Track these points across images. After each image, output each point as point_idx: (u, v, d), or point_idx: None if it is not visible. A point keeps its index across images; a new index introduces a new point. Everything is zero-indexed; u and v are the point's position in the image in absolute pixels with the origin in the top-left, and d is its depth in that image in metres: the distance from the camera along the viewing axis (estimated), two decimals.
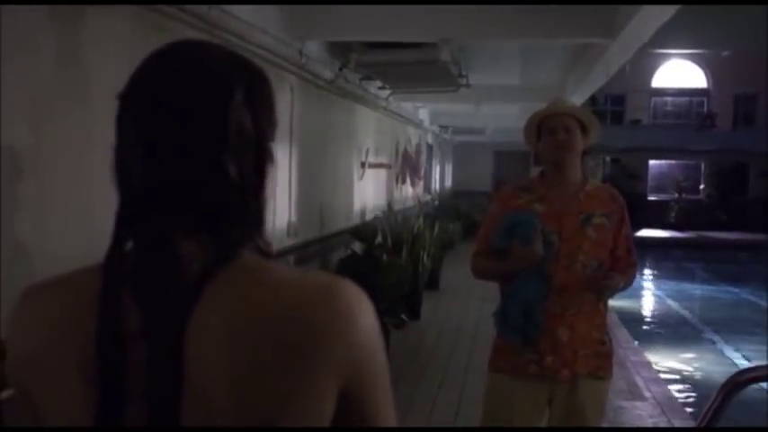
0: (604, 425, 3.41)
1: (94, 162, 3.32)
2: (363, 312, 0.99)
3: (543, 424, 3.35)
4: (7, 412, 2.33)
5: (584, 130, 3.27)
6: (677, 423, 5.63)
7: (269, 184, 1.01)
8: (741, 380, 2.73)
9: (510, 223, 3.20)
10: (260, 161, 1.00)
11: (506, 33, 5.77)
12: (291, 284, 0.97)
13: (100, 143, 3.57)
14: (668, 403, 6.19)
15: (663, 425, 5.63)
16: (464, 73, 8.21)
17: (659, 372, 7.75)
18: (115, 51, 3.61)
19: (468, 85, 8.86)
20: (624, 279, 3.26)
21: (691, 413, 6.08)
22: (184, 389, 0.91)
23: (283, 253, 6.30)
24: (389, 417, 1.03)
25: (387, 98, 10.24)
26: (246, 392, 0.91)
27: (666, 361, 8.93)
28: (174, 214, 0.96)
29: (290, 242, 6.51)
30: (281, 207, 6.37)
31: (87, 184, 3.38)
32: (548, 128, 3.25)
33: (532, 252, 3.10)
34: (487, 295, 9.47)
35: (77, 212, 3.39)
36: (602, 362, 3.29)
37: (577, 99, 9.39)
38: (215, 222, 0.97)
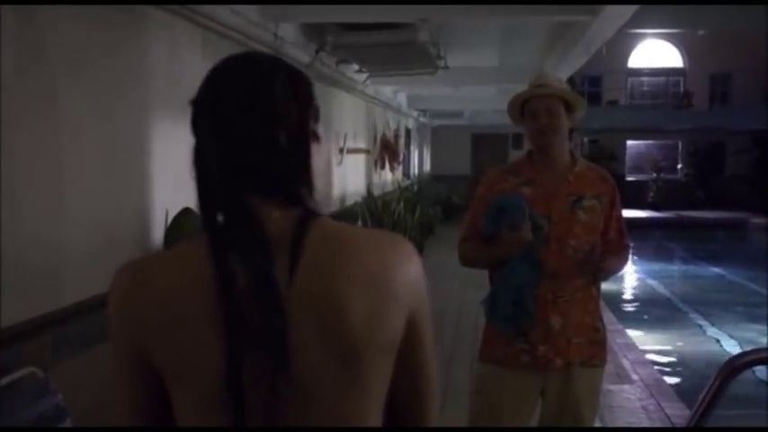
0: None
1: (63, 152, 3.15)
2: (418, 261, 1.28)
3: (536, 415, 3.22)
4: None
5: (570, 108, 3.14)
6: (666, 406, 5.55)
7: (317, 157, 1.27)
8: (738, 364, 2.69)
9: (497, 207, 3.06)
10: (305, 138, 1.25)
11: (486, 11, 5.61)
12: (368, 239, 1.26)
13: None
14: (656, 386, 6.11)
15: (652, 408, 5.54)
16: (442, 54, 8.05)
17: (645, 353, 7.68)
18: (84, 34, 3.44)
19: (446, 67, 8.71)
20: (618, 262, 3.15)
21: (679, 395, 6.01)
22: (289, 330, 1.14)
23: None
24: (432, 355, 1.33)
25: (364, 82, 10.07)
26: (344, 325, 1.17)
27: (651, 342, 8.87)
28: (250, 185, 1.20)
29: None
30: None
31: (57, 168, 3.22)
32: (530, 110, 3.12)
33: (521, 238, 2.97)
34: (470, 280, 9.39)
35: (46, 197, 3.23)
36: (595, 349, 3.17)
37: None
38: (282, 187, 1.22)
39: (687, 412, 5.50)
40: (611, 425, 5.15)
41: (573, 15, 5.74)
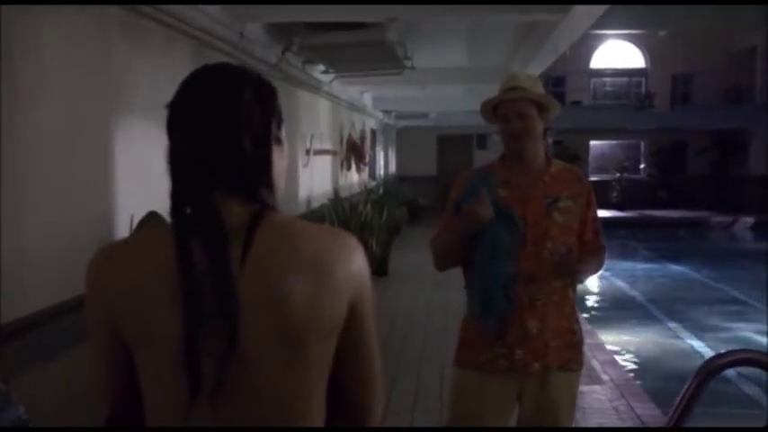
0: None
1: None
2: (360, 252, 1.43)
3: (513, 420, 3.17)
4: None
5: (542, 108, 3.10)
6: (637, 407, 5.54)
7: (278, 160, 1.43)
8: (715, 365, 2.68)
9: (472, 191, 3.03)
10: (267, 142, 1.40)
11: (455, 10, 5.56)
12: (314, 231, 1.41)
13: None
14: (627, 386, 6.11)
15: (623, 408, 5.54)
16: (409, 55, 8.00)
17: (614, 353, 7.71)
18: (44, 34, 3.32)
19: (413, 68, 8.66)
20: (595, 263, 3.11)
21: (647, 394, 6.02)
22: (239, 307, 1.29)
23: None
24: (374, 343, 1.46)
25: (330, 83, 9.98)
26: (288, 308, 1.32)
27: (618, 342, 8.90)
28: (215, 182, 1.35)
29: None
30: None
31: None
32: (502, 115, 3.07)
33: (475, 209, 2.93)
34: (438, 280, 9.39)
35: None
36: (573, 353, 3.13)
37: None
38: (243, 185, 1.37)
39: (658, 412, 5.51)
40: (582, 425, 5.13)
41: (542, 15, 5.72)
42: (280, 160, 1.45)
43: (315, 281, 1.34)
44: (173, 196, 1.38)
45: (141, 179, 4.47)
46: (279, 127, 1.45)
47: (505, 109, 3.06)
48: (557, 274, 3.04)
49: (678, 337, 9.43)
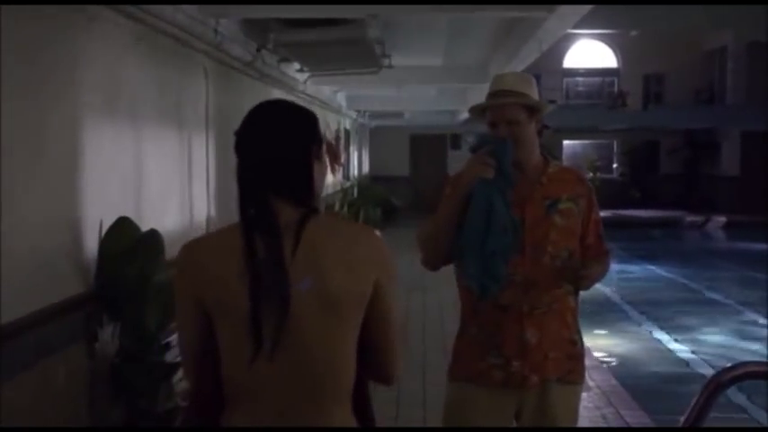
0: None
1: None
2: (382, 244, 1.91)
3: None
4: None
5: (533, 109, 2.92)
6: (626, 414, 5.42)
7: (318, 173, 1.89)
8: (725, 379, 2.50)
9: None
10: (308, 159, 1.87)
11: (441, 7, 5.37)
12: (347, 227, 1.96)
13: None
14: (613, 392, 5.98)
15: (611, 417, 5.40)
16: (388, 53, 7.81)
17: (597, 358, 7.58)
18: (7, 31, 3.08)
19: (390, 66, 8.48)
20: (600, 268, 2.94)
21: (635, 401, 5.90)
22: (290, 286, 1.74)
23: None
24: (395, 314, 1.91)
25: (305, 82, 9.77)
26: (328, 284, 1.77)
27: (599, 345, 8.77)
28: (271, 190, 1.82)
29: None
30: (199, 201, 5.85)
31: None
32: (490, 120, 2.90)
33: (480, 160, 2.78)
34: (415, 283, 9.24)
35: None
36: (573, 364, 2.97)
37: None
38: (292, 192, 1.83)
39: (648, 420, 5.39)
40: None
41: (529, 11, 5.55)
42: (320, 173, 1.92)
43: (347, 266, 1.80)
44: (240, 200, 1.84)
45: (112, 182, 4.24)
46: (319, 147, 1.91)
47: (493, 115, 2.90)
48: (558, 280, 2.87)
49: (657, 339, 9.33)
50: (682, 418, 2.41)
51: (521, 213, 2.86)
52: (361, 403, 1.92)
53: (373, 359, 1.90)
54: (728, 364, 2.49)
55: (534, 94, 2.95)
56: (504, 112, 2.87)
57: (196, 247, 1.88)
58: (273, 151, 1.83)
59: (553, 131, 3.17)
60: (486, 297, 2.83)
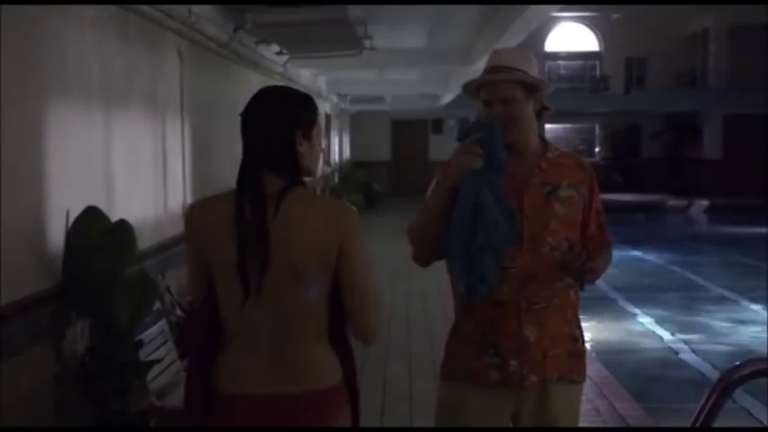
0: None
1: None
2: (350, 215, 2.28)
3: None
4: None
5: (532, 87, 2.71)
6: (620, 407, 5.26)
7: (308, 151, 2.27)
8: (735, 378, 2.37)
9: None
10: (293, 138, 2.24)
11: None
12: (321, 200, 2.52)
13: None
14: (605, 383, 5.81)
15: (604, 409, 5.23)
16: (370, 34, 7.56)
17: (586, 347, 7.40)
18: None
19: (372, 48, 8.24)
20: (605, 261, 2.74)
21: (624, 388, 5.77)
22: (270, 245, 2.15)
23: (178, 240, 5.55)
24: (366, 275, 2.27)
25: (284, 64, 9.50)
26: (293, 247, 2.17)
27: (586, 334, 8.59)
28: (261, 164, 2.21)
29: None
30: (174, 188, 5.60)
31: None
32: (484, 99, 2.70)
33: (467, 150, 2.58)
34: (399, 271, 9.05)
35: None
36: (574, 363, 2.79)
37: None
38: (278, 167, 2.22)
39: (642, 413, 5.23)
40: None
41: None
42: (310, 152, 2.28)
43: (312, 231, 2.17)
44: (239, 172, 2.21)
45: (80, 170, 3.99)
46: (308, 128, 2.26)
47: (487, 93, 2.69)
48: (558, 272, 2.67)
49: (641, 322, 9.22)
50: (690, 419, 2.28)
51: (519, 201, 2.67)
52: (341, 340, 2.31)
53: (350, 316, 2.25)
54: (733, 361, 2.36)
55: (533, 71, 2.74)
56: (498, 90, 2.67)
57: (198, 208, 2.33)
58: (261, 131, 2.21)
59: (554, 113, 2.95)
60: (472, 298, 2.63)
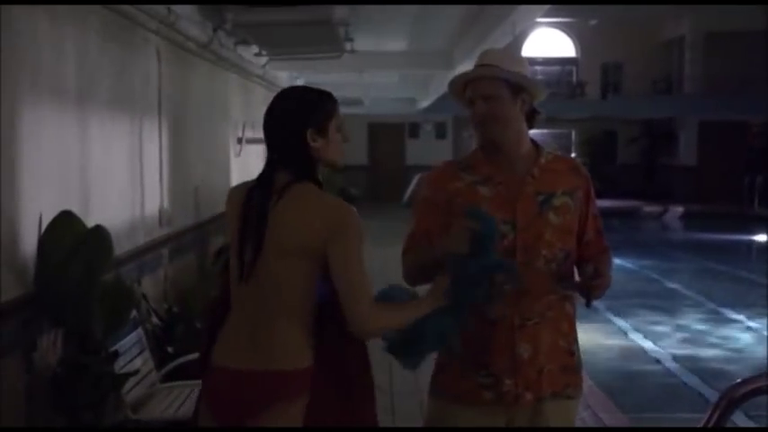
0: None
1: None
2: (342, 211, 2.35)
3: None
4: None
5: (519, 89, 2.60)
6: (605, 417, 5.18)
7: (324, 147, 2.40)
8: (737, 395, 2.38)
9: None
10: (303, 136, 2.39)
11: None
12: (317, 196, 2.38)
13: None
14: (590, 393, 5.69)
15: (591, 421, 5.14)
16: (351, 36, 7.45)
17: None
18: None
19: (353, 51, 8.14)
20: (609, 271, 2.65)
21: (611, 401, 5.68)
22: (266, 230, 2.34)
23: (155, 245, 5.40)
24: (357, 265, 2.33)
25: (263, 66, 9.37)
26: (281, 235, 2.33)
27: None
28: (275, 160, 2.40)
29: (163, 232, 5.61)
30: (151, 193, 5.45)
31: None
32: (468, 97, 2.60)
33: (452, 234, 2.45)
34: (378, 279, 8.94)
35: None
36: (570, 377, 2.69)
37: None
38: (287, 163, 2.38)
39: (627, 422, 5.15)
40: None
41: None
42: (326, 147, 2.41)
43: (301, 223, 2.31)
44: (265, 166, 2.43)
45: (53, 173, 3.84)
46: (323, 125, 2.40)
47: (472, 90, 2.59)
48: (552, 285, 2.58)
49: (621, 330, 9.18)
50: None
51: (511, 212, 2.57)
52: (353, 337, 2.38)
53: (344, 310, 2.30)
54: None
55: (524, 72, 2.64)
56: (482, 86, 2.56)
57: (232, 190, 2.51)
58: (274, 131, 2.41)
59: (545, 118, 2.83)
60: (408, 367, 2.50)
